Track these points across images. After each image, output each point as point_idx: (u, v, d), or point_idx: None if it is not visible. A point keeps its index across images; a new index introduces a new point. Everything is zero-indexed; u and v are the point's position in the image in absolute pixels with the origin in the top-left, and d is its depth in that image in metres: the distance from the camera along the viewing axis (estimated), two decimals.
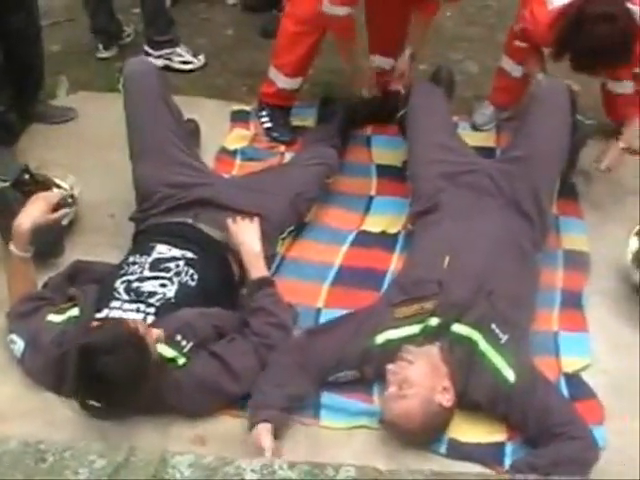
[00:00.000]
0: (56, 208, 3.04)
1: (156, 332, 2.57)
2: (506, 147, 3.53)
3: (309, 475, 2.15)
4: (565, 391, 2.77)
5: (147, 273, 2.83)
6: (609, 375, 2.86)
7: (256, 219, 3.03)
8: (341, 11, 3.49)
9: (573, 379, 2.82)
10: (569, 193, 3.52)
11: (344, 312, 2.93)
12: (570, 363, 2.87)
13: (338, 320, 2.87)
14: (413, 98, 3.52)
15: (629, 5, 3.19)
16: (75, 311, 2.77)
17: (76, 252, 3.21)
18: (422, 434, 2.57)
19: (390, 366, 2.57)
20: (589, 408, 2.70)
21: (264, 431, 2.52)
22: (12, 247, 2.88)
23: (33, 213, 2.91)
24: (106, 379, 2.41)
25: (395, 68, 3.84)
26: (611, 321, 3.06)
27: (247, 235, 2.99)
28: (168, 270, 2.85)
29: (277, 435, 2.57)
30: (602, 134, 3.65)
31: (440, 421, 2.58)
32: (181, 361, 2.63)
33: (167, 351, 2.62)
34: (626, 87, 3.53)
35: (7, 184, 3.31)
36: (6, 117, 3.68)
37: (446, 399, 2.55)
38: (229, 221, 3.01)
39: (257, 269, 2.93)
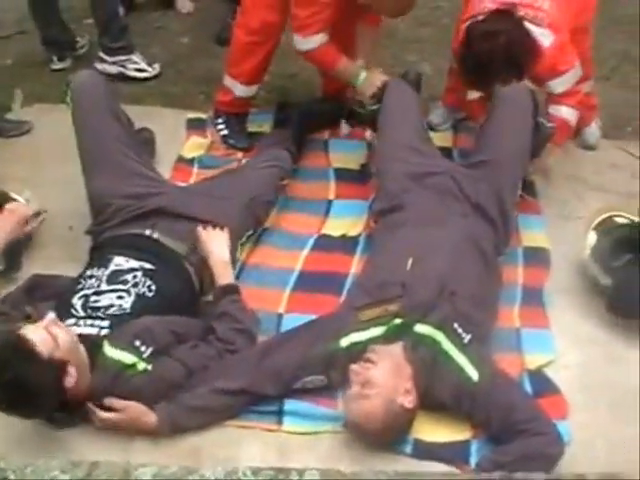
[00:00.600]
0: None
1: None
2: (470, 150, 3.53)
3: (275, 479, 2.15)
4: (529, 388, 2.78)
5: (104, 286, 2.81)
6: (571, 370, 2.88)
7: (226, 229, 3.04)
8: (316, 41, 3.50)
9: (536, 375, 2.83)
10: (529, 191, 3.54)
11: (306, 317, 2.92)
12: (533, 360, 2.88)
13: (301, 327, 2.86)
14: (387, 95, 3.50)
15: (527, 24, 3.26)
16: None
17: (35, 266, 3.18)
18: (384, 435, 2.56)
19: (353, 366, 2.57)
20: (553, 403, 2.72)
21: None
22: None
23: (6, 227, 2.88)
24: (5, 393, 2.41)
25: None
26: (572, 316, 3.09)
27: (216, 243, 2.99)
28: (125, 282, 2.82)
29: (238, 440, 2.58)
30: None
31: (402, 422, 2.58)
32: (141, 366, 2.60)
33: (126, 357, 2.59)
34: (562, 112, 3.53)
35: None
36: None
37: (408, 400, 2.55)
38: (199, 229, 3.01)
39: (224, 277, 2.93)
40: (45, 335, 2.45)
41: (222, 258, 2.96)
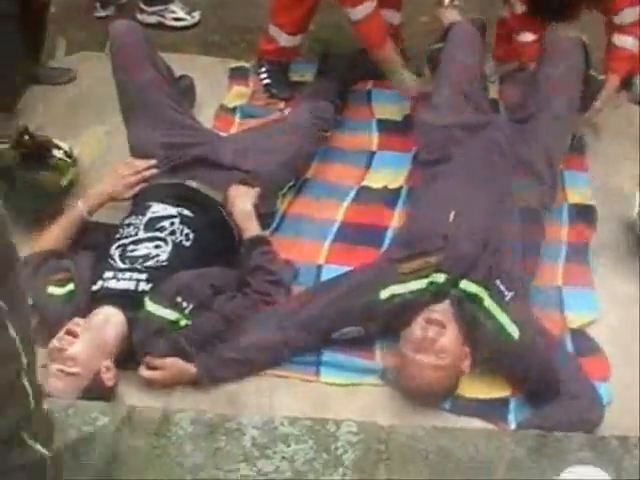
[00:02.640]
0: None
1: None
2: (517, 102, 3.44)
3: (310, 431, 2.15)
4: (571, 347, 2.74)
5: (142, 234, 2.80)
6: (614, 330, 2.82)
7: (257, 188, 3.02)
8: (362, 11, 3.44)
9: (578, 334, 2.79)
10: (577, 147, 3.45)
11: (345, 269, 2.90)
12: (575, 318, 2.83)
13: (340, 277, 2.84)
14: (452, 35, 3.41)
15: None
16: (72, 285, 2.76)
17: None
18: (437, 397, 2.55)
19: (425, 331, 2.49)
20: (595, 363, 2.68)
21: None
22: (81, 204, 2.96)
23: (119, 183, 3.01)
24: None
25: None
26: (616, 275, 3.02)
27: (239, 198, 2.97)
28: (163, 229, 2.82)
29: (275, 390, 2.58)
30: None
31: (456, 385, 2.56)
32: (183, 322, 2.61)
33: (169, 314, 2.61)
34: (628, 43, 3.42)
35: (7, 146, 3.26)
36: (12, 80, 3.63)
37: (466, 365, 2.54)
38: (232, 188, 3.00)
39: (250, 229, 2.91)
40: (62, 382, 2.45)
41: (244, 210, 2.94)
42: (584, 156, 3.50)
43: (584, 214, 3.23)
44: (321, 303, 2.70)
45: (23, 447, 1.62)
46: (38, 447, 1.64)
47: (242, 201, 2.96)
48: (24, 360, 1.56)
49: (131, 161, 3.12)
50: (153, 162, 3.09)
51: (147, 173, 3.06)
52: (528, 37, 3.56)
